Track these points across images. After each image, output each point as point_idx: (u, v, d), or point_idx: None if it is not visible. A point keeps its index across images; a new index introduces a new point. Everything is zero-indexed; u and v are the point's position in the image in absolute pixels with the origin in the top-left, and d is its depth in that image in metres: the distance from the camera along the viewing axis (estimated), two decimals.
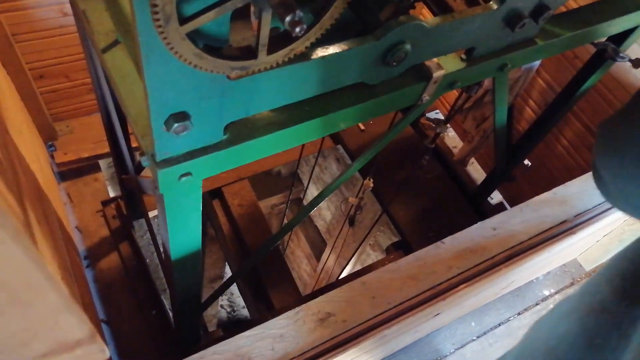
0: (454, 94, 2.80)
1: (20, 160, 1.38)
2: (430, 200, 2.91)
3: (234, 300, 5.82)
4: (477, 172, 3.20)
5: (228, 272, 4.67)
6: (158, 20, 0.66)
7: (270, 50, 0.81)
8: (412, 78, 1.20)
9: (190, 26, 0.70)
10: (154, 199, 2.53)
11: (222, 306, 5.74)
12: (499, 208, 2.85)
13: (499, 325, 2.17)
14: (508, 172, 2.46)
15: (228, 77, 0.87)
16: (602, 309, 0.72)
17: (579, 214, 1.72)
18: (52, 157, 2.58)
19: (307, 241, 5.66)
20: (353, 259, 3.88)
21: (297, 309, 1.38)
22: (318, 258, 5.17)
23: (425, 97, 1.26)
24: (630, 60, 1.75)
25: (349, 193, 4.07)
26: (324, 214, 5.21)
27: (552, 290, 2.30)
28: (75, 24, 1.96)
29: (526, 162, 2.87)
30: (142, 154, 1.02)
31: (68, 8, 2.16)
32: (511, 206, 2.80)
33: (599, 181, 0.72)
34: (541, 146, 2.57)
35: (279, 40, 0.82)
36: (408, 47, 1.06)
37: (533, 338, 0.95)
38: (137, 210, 2.52)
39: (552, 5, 1.19)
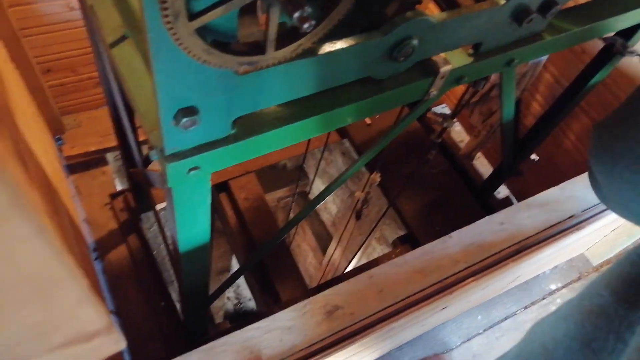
0: (460, 88, 2.79)
1: (29, 154, 1.40)
2: (437, 195, 2.91)
3: (240, 292, 5.86)
4: (483, 166, 3.19)
5: (235, 265, 4.70)
6: (167, 16, 0.67)
7: (279, 46, 0.82)
8: (419, 73, 1.20)
9: (199, 22, 0.70)
10: (161, 192, 2.55)
11: (228, 298, 5.78)
12: (506, 203, 2.85)
13: (506, 318, 2.18)
14: (515, 166, 2.46)
15: (236, 72, 0.88)
16: (601, 312, 0.72)
17: (586, 209, 1.71)
18: (60, 150, 2.60)
19: (312, 234, 5.68)
20: (359, 252, 3.89)
21: (305, 301, 1.40)
22: (324, 251, 5.19)
23: (432, 92, 1.26)
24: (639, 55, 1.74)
25: (354, 187, 4.08)
26: (330, 207, 5.22)
27: (559, 285, 2.30)
28: (82, 18, 1.97)
29: (533, 156, 2.86)
30: (150, 148, 1.03)
31: (74, 2, 2.17)
32: (518, 201, 2.79)
33: (594, 184, 0.71)
34: (548, 141, 2.56)
35: (287, 36, 0.83)
36: (415, 42, 1.07)
37: (531, 340, 0.96)
38: (144, 203, 2.54)
39: (560, 0, 1.19)
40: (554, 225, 1.67)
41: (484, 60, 1.28)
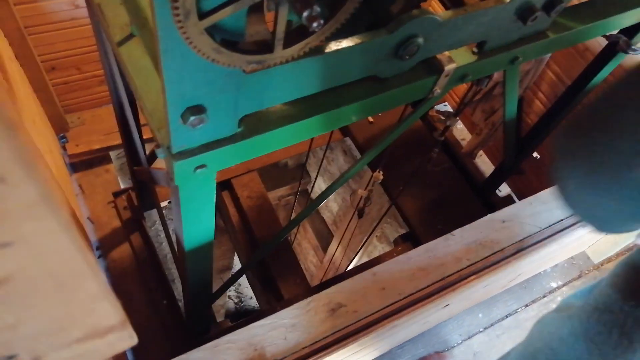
0: (463, 86, 2.80)
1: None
2: (438, 193, 2.92)
3: (242, 291, 5.87)
4: (485, 164, 3.19)
5: (236, 263, 4.71)
6: (178, 15, 0.68)
7: (286, 45, 0.83)
8: (424, 71, 1.21)
9: (209, 21, 0.71)
10: (165, 190, 2.55)
11: (229, 297, 5.79)
12: (507, 201, 2.86)
13: (507, 316, 2.18)
14: (517, 165, 2.46)
15: (243, 71, 0.89)
16: (605, 309, 0.72)
17: None
18: (64, 148, 2.61)
19: (313, 232, 5.69)
20: (360, 251, 3.90)
21: (309, 299, 1.41)
22: (325, 249, 5.20)
23: (436, 90, 1.27)
24: None
25: (355, 185, 4.08)
26: (331, 205, 5.23)
27: (560, 283, 2.31)
28: (87, 16, 1.97)
29: (535, 155, 2.87)
30: (157, 146, 1.03)
31: (79, 0, 2.18)
32: (519, 199, 2.80)
33: (557, 190, 0.70)
34: (550, 139, 2.56)
35: (295, 34, 0.83)
36: (420, 40, 1.07)
37: (536, 339, 0.96)
38: (147, 201, 2.55)
39: None
40: (556, 223, 1.68)
41: (488, 59, 1.28)
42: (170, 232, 2.16)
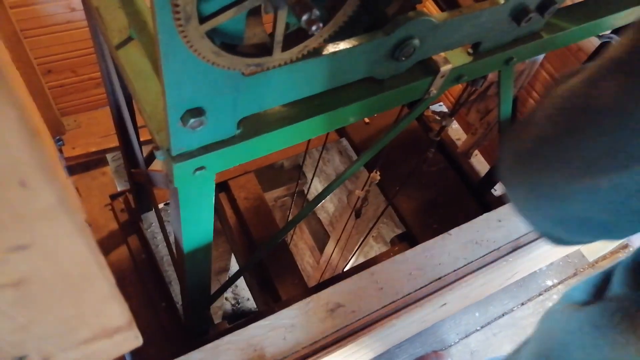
0: (458, 86, 2.81)
1: None
2: (434, 192, 2.93)
3: (239, 292, 5.87)
4: (480, 164, 3.21)
5: (233, 265, 4.71)
6: (179, 19, 0.68)
7: (285, 47, 0.83)
8: (420, 72, 1.22)
9: (210, 25, 0.72)
10: (162, 192, 2.55)
11: (226, 299, 5.79)
12: (503, 200, 2.87)
13: (503, 315, 2.20)
14: None
15: (243, 73, 0.90)
16: (611, 297, 0.73)
17: None
18: (60, 151, 2.60)
19: (310, 233, 5.69)
20: (357, 251, 3.91)
21: (308, 299, 1.41)
22: (321, 250, 5.20)
23: (432, 91, 1.28)
24: None
25: (352, 185, 4.09)
26: (327, 206, 5.24)
27: (555, 281, 2.33)
28: (83, 19, 1.97)
29: None
30: (155, 148, 1.04)
31: (75, 3, 2.18)
32: None
33: (506, 194, 0.70)
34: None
35: (293, 37, 0.84)
36: (417, 42, 1.08)
37: (547, 336, 0.96)
38: (144, 203, 2.55)
39: None
40: None
41: (483, 59, 1.29)
42: (169, 234, 2.16)
